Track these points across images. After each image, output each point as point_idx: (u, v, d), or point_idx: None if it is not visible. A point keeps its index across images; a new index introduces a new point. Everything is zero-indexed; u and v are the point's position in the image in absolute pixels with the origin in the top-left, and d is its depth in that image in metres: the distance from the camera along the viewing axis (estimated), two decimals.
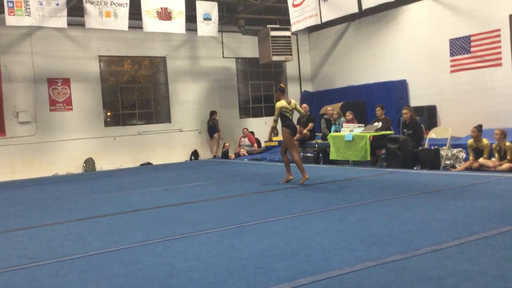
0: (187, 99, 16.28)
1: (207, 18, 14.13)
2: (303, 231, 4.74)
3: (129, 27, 12.90)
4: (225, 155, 15.70)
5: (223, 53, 16.67)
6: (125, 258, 4.19)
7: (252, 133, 16.23)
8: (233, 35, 16.70)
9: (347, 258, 3.73)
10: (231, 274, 3.52)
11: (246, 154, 15.21)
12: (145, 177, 11.56)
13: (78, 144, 14.55)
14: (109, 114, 15.44)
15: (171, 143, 15.96)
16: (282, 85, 8.77)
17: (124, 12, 12.59)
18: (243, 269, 3.63)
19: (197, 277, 3.52)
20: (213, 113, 16.22)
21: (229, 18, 15.78)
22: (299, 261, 3.73)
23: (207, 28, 14.24)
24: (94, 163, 14.68)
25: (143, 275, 3.67)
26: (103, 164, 14.83)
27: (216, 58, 16.69)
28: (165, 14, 13.17)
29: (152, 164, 15.39)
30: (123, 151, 15.18)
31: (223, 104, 16.88)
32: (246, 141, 15.71)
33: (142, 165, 15.24)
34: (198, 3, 13.94)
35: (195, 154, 16.25)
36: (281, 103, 8.45)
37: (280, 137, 15.94)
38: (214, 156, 15.95)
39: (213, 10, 14.23)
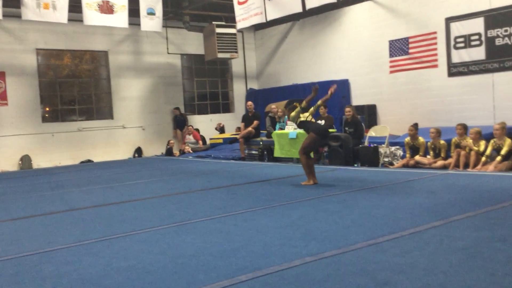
0: (131, 95, 15.93)
1: (151, 13, 13.88)
2: (245, 228, 4.76)
3: (69, 20, 12.47)
4: (169, 152, 15.51)
5: (167, 48, 16.45)
6: (61, 259, 4.04)
7: (197, 130, 16.13)
8: (178, 31, 16.50)
9: (287, 254, 3.77)
10: (170, 273, 3.47)
11: (191, 152, 15.09)
12: (84, 175, 11.21)
13: (13, 140, 13.89)
14: (47, 109, 14.85)
15: (114, 140, 15.57)
16: (296, 104, 8.01)
17: (63, 4, 12.14)
18: (183, 267, 3.60)
19: (135, 276, 3.45)
20: (176, 109, 16.29)
21: (174, 14, 15.58)
22: (240, 258, 3.74)
23: (151, 23, 13.99)
24: (31, 161, 14.08)
25: (78, 275, 3.56)
26: (40, 162, 14.25)
27: (160, 53, 16.43)
28: (107, 8, 12.82)
29: (93, 161, 14.95)
30: (62, 148, 14.65)
31: (168, 101, 16.66)
32: (191, 138, 15.59)
33: (82, 162, 14.78)
34: None
35: (138, 151, 15.95)
36: (294, 112, 7.80)
37: (226, 134, 15.97)
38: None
39: (157, 5, 14.00)
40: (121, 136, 15.71)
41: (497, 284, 2.86)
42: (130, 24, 13.49)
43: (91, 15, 12.69)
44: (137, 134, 16.05)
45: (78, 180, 10.19)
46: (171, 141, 15.81)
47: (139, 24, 13.96)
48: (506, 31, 10.81)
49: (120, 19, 13.09)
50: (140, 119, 16.09)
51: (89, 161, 14.93)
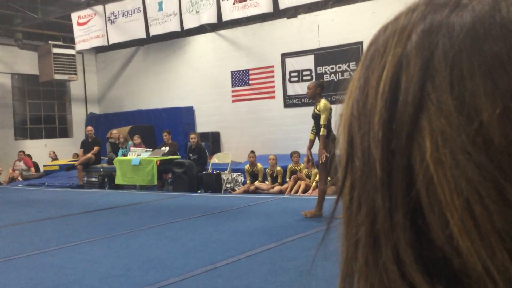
0: None
1: None
2: (79, 261, 4.47)
3: None
4: None
5: None
6: None
7: (29, 156, 14.78)
8: (9, 48, 15.10)
9: (125, 285, 3.64)
10: None
11: (21, 180, 13.77)
12: None
13: None
14: None
15: None
16: (322, 81, 7.10)
17: None
18: None
19: None
20: None
21: (4, 30, 14.27)
22: None
23: None
24: None
25: None
26: None
27: None
28: None
29: None
30: None
31: None
32: (21, 165, 14.24)
33: None
34: None
35: None
36: (328, 104, 6.52)
37: (63, 160, 14.88)
38: None
39: None
40: None
41: None
42: None
43: None
44: None
45: None
46: None
47: None
48: (332, 68, 12.07)
49: None
50: None
51: None
